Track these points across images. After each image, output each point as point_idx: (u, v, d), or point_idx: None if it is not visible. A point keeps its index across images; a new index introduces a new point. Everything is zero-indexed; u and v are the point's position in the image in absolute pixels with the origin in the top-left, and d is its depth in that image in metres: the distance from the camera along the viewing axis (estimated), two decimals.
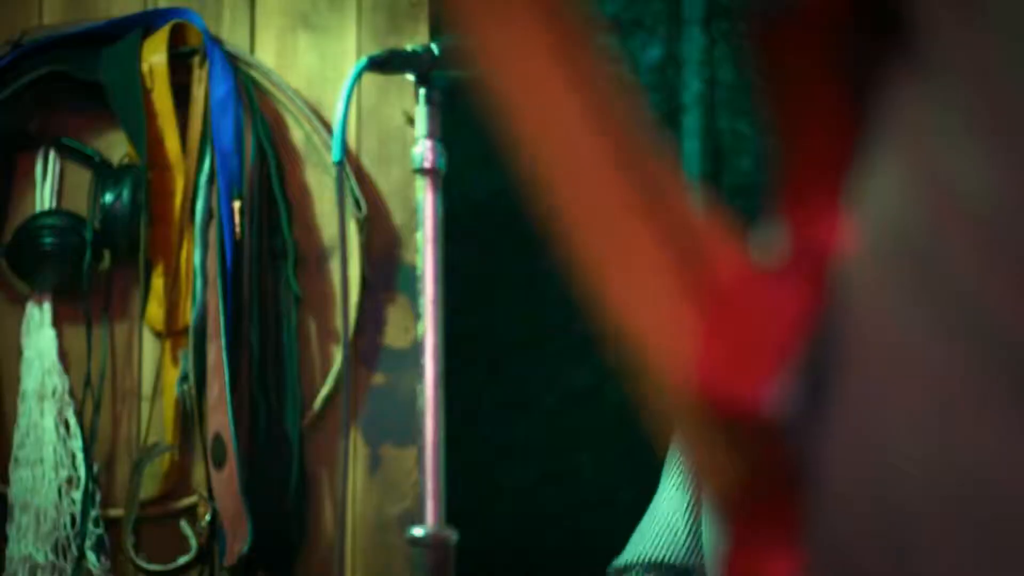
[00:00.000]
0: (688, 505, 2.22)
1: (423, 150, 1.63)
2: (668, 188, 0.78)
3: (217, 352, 2.76)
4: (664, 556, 2.25)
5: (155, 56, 2.85)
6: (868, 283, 0.70)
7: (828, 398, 0.71)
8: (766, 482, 0.73)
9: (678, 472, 2.25)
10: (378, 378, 2.88)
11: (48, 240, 2.82)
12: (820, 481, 0.71)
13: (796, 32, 0.73)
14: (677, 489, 2.24)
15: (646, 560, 2.26)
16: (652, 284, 0.77)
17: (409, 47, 1.67)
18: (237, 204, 2.80)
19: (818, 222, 0.73)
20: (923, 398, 0.67)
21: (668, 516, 2.24)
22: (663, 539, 2.24)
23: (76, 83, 2.86)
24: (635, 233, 0.77)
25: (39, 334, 2.84)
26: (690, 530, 2.24)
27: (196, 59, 2.86)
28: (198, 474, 2.83)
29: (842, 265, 0.71)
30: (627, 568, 2.28)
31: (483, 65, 0.80)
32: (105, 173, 2.85)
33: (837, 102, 0.72)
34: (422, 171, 1.62)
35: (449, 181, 1.64)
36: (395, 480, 2.87)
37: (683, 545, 2.24)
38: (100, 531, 2.78)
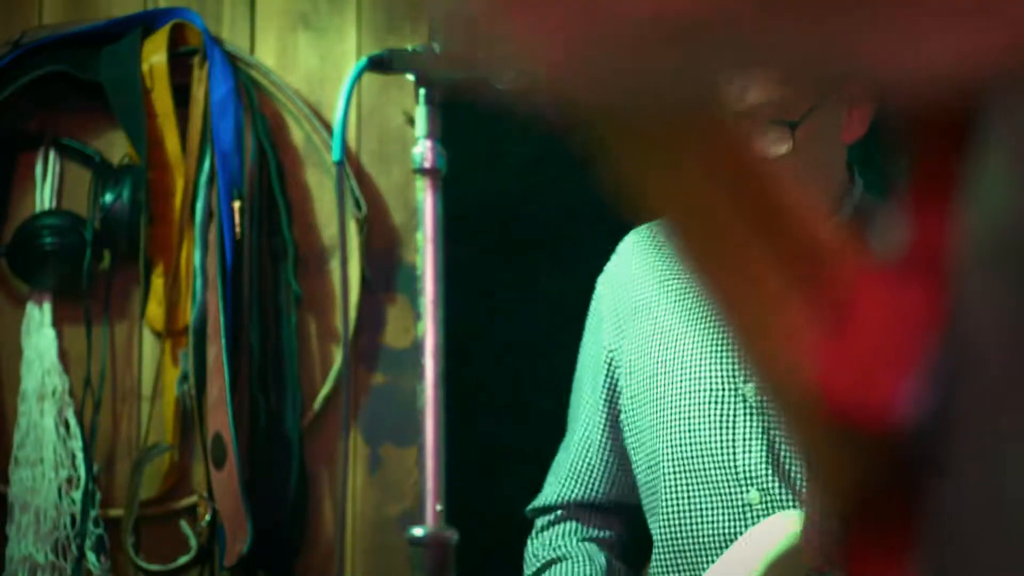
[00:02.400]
0: (601, 443, 2.27)
1: (423, 150, 1.63)
2: (789, 198, 0.77)
3: (217, 352, 2.76)
4: (580, 495, 2.29)
5: (155, 56, 2.85)
6: (982, 285, 0.69)
7: (955, 404, 0.69)
8: (890, 490, 0.72)
9: (586, 412, 2.28)
10: (378, 378, 2.88)
11: (48, 240, 2.82)
12: (945, 490, 0.69)
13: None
14: (587, 429, 2.28)
15: (564, 500, 2.30)
16: (773, 294, 0.76)
17: (409, 47, 1.67)
18: (237, 204, 2.80)
19: (937, 224, 0.72)
20: None
21: (581, 456, 2.28)
22: (580, 478, 2.29)
23: (76, 83, 2.86)
24: (752, 243, 0.76)
25: (39, 334, 2.84)
26: (606, 467, 2.28)
27: (196, 59, 2.86)
28: (198, 474, 2.83)
29: (958, 267, 0.70)
30: (546, 509, 2.31)
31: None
32: (105, 173, 2.85)
33: (956, 102, 0.71)
34: (422, 171, 1.62)
35: (449, 181, 1.64)
36: (395, 480, 2.87)
37: (599, 483, 2.28)
38: (100, 531, 2.78)
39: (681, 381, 2.18)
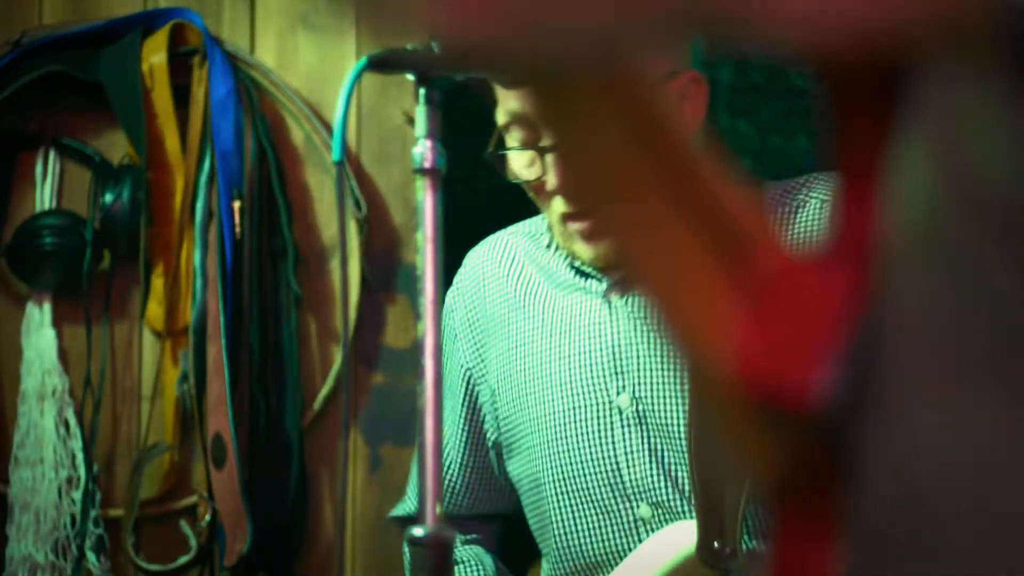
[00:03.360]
0: (462, 463, 2.24)
1: (423, 150, 1.63)
2: (710, 181, 0.78)
3: (217, 352, 2.76)
4: (446, 508, 2.27)
5: (155, 56, 2.85)
6: (903, 268, 0.70)
7: (874, 386, 0.70)
8: (810, 473, 0.73)
9: (445, 431, 2.25)
10: (378, 378, 2.88)
11: (48, 240, 2.82)
12: (861, 470, 0.70)
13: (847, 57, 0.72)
14: (446, 448, 2.24)
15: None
16: (696, 276, 0.77)
17: (409, 47, 1.67)
18: (237, 204, 2.80)
19: (858, 210, 0.72)
20: (957, 386, 0.67)
21: (444, 471, 2.24)
22: (441, 496, 2.27)
23: (76, 83, 2.86)
24: (677, 225, 0.77)
25: (39, 334, 2.84)
26: (467, 487, 2.25)
27: (196, 59, 2.86)
28: (198, 474, 2.83)
29: (881, 252, 0.71)
30: (413, 518, 2.29)
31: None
32: (105, 173, 2.85)
33: (878, 90, 0.72)
34: (422, 171, 1.62)
35: (449, 181, 1.64)
36: (395, 480, 2.87)
37: (461, 500, 2.25)
38: (100, 531, 2.78)
39: (552, 400, 2.13)
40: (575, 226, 2.11)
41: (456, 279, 2.31)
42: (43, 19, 2.92)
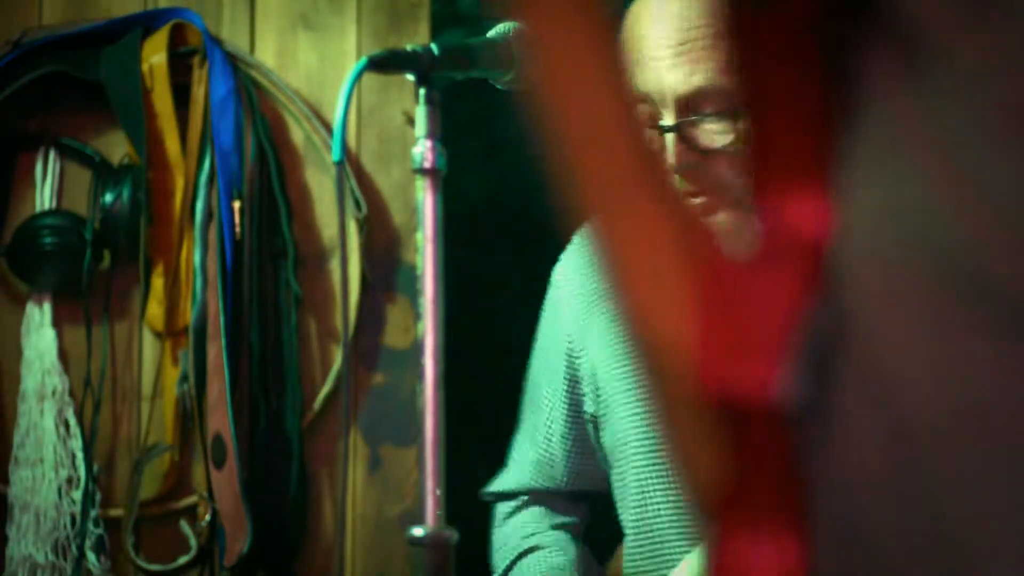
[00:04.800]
0: (564, 434, 2.24)
1: (423, 150, 1.63)
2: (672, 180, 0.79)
3: (217, 352, 2.76)
4: (544, 484, 2.27)
5: (155, 56, 2.85)
6: (861, 265, 0.70)
7: (834, 379, 0.71)
8: (764, 471, 0.73)
9: (548, 402, 2.25)
10: (378, 378, 2.88)
11: (48, 240, 2.82)
12: (837, 463, 0.70)
13: (771, 17, 0.73)
14: (549, 419, 2.25)
15: (528, 487, 2.28)
16: (659, 268, 0.77)
17: (409, 47, 1.67)
18: (237, 204, 2.80)
19: (801, 209, 0.73)
20: (931, 354, 0.68)
21: (544, 446, 2.25)
22: (543, 469, 2.26)
23: (76, 83, 2.86)
24: (645, 216, 0.78)
25: (39, 334, 2.84)
26: (568, 458, 2.25)
27: (196, 59, 2.86)
28: (198, 474, 2.83)
29: (833, 249, 0.71)
30: (508, 494, 2.29)
31: (527, 53, 0.82)
32: (105, 173, 2.85)
33: (812, 90, 0.73)
34: (422, 171, 1.62)
35: (449, 181, 1.64)
36: (395, 480, 2.87)
37: (562, 474, 2.26)
38: (100, 531, 2.78)
39: None
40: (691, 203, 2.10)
41: (563, 256, 2.31)
42: (43, 19, 2.92)
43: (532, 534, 2.25)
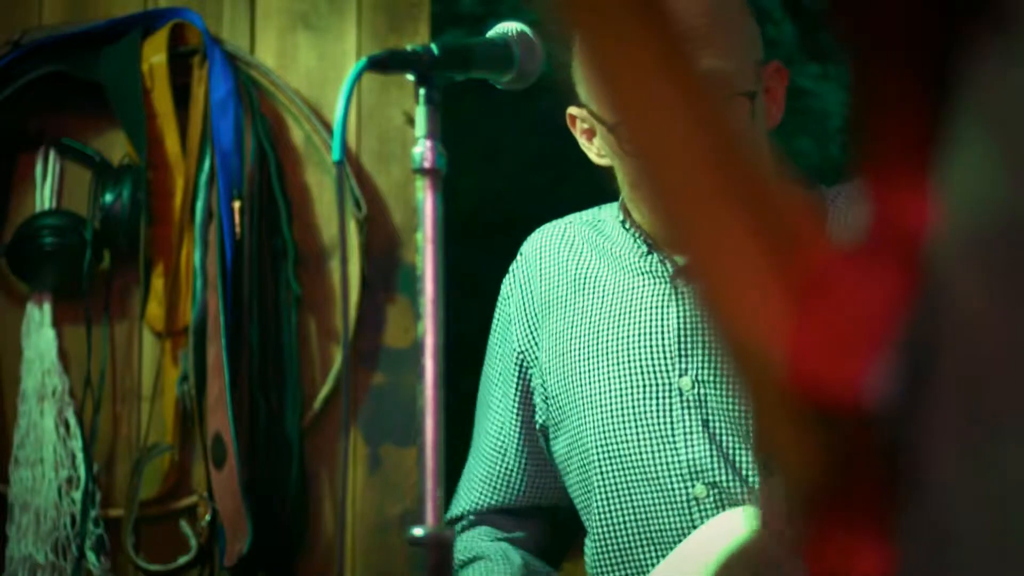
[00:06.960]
0: (517, 447, 2.24)
1: (423, 150, 1.63)
2: (761, 179, 0.78)
3: (217, 352, 2.76)
4: (496, 501, 2.26)
5: (155, 56, 2.85)
6: (959, 262, 0.69)
7: (930, 381, 0.69)
8: (859, 472, 0.72)
9: (498, 417, 2.25)
10: (378, 378, 2.88)
11: (48, 240, 2.82)
12: (926, 467, 0.69)
13: (879, 9, 0.72)
14: (501, 434, 2.25)
15: (478, 508, 2.27)
16: (745, 273, 0.76)
17: (409, 47, 1.67)
18: (237, 204, 2.80)
19: (906, 203, 0.71)
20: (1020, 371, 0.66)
21: (497, 461, 2.25)
22: (496, 484, 2.26)
23: (76, 83, 2.86)
24: (728, 222, 0.77)
25: (39, 334, 2.84)
26: (523, 471, 2.25)
27: (196, 59, 2.86)
28: (198, 474, 2.83)
29: (932, 245, 0.70)
30: (457, 518, 2.28)
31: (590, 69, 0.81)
32: (105, 173, 2.85)
33: (921, 81, 0.71)
34: (422, 171, 1.62)
35: (449, 181, 1.64)
36: (395, 480, 2.87)
37: (517, 487, 2.25)
38: (100, 531, 2.78)
39: (610, 378, 2.13)
40: None
41: (512, 267, 2.32)
42: (43, 19, 2.92)
43: (475, 547, 2.24)
